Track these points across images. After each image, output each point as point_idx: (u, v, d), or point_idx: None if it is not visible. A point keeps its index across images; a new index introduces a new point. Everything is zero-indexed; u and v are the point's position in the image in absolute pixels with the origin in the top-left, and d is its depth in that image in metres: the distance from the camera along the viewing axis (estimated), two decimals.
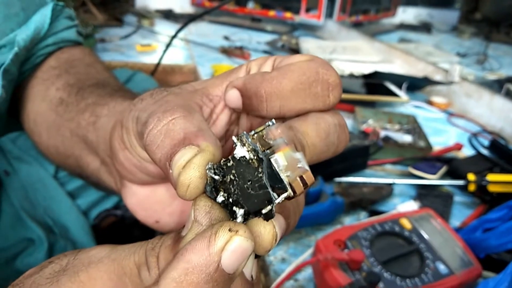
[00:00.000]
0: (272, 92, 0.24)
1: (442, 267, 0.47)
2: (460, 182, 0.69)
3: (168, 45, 1.12)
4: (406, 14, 2.42)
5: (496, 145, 0.86)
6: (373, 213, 0.62)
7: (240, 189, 0.20)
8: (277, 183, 0.19)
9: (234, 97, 0.26)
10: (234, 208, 0.20)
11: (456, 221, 0.63)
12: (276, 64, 0.28)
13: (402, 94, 1.07)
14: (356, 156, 0.72)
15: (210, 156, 0.21)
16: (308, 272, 0.50)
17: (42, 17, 0.47)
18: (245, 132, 0.19)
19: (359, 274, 0.44)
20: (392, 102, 1.08)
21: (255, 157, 0.19)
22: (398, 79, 1.16)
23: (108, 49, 1.38)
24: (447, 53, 1.66)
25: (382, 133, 0.85)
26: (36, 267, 0.22)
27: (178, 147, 0.21)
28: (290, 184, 0.19)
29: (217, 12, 2.00)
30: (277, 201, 0.19)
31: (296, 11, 1.90)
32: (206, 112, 0.27)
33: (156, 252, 0.20)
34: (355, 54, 1.46)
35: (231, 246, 0.18)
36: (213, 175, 0.20)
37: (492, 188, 0.67)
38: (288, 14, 1.91)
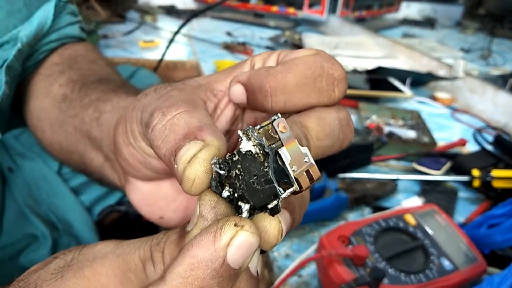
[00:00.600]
0: (277, 87, 0.24)
1: (446, 263, 0.47)
2: (465, 178, 0.69)
3: (170, 41, 1.11)
4: (410, 9, 2.41)
5: (501, 141, 0.85)
6: (377, 209, 0.61)
7: (245, 183, 0.19)
8: (283, 178, 0.19)
9: (239, 92, 0.26)
10: (240, 203, 0.20)
11: (460, 217, 0.63)
12: (281, 58, 0.27)
13: (406, 90, 1.07)
14: (360, 152, 0.72)
15: (215, 150, 0.20)
16: (312, 268, 0.50)
17: (45, 13, 0.47)
18: (251, 127, 0.19)
19: (364, 270, 0.44)
20: (395, 98, 1.08)
21: (261, 152, 0.19)
22: (401, 75, 1.16)
23: (111, 45, 1.38)
24: (451, 49, 1.66)
25: (386, 129, 0.85)
26: (41, 262, 0.22)
27: (183, 141, 0.21)
28: (296, 179, 0.19)
29: (220, 7, 1.99)
30: (283, 196, 0.19)
31: (299, 7, 1.89)
32: (210, 107, 0.27)
33: (161, 247, 0.20)
34: (358, 49, 1.46)
35: (237, 241, 0.18)
36: (219, 170, 0.20)
37: (496, 184, 0.66)
38: (291, 10, 1.91)
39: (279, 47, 1.52)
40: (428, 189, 0.68)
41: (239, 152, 0.19)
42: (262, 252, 0.21)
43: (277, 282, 0.47)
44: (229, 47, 1.42)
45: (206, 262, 0.17)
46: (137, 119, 0.27)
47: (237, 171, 0.20)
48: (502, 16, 1.97)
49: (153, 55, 1.31)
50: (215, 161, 0.20)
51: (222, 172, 0.20)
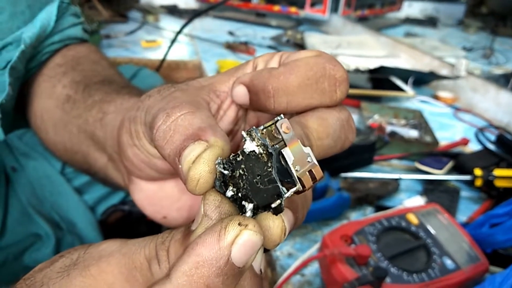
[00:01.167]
0: (279, 88, 0.24)
1: (449, 262, 0.47)
2: (467, 177, 0.69)
3: (173, 41, 1.12)
4: (412, 8, 2.41)
5: (503, 140, 0.85)
6: (380, 208, 0.62)
7: (249, 183, 0.20)
8: (287, 178, 0.19)
9: (241, 93, 0.26)
10: (243, 202, 0.20)
11: (462, 216, 0.63)
12: (283, 60, 0.28)
13: (408, 89, 1.07)
14: (362, 151, 0.72)
15: (219, 151, 0.21)
16: (314, 267, 0.51)
17: (48, 14, 0.47)
18: (254, 127, 0.20)
19: (366, 269, 0.44)
20: (398, 97, 1.08)
21: (265, 152, 0.19)
22: (404, 74, 1.16)
23: (113, 45, 1.38)
24: (453, 48, 1.65)
25: (388, 128, 0.85)
26: (47, 261, 0.23)
27: (187, 142, 0.21)
28: (299, 179, 0.19)
29: (222, 7, 1.99)
30: (286, 196, 0.19)
31: (301, 6, 1.89)
32: (213, 108, 0.28)
33: (166, 246, 0.21)
34: (360, 48, 1.46)
35: (241, 240, 0.18)
36: (222, 170, 0.20)
37: (498, 183, 0.66)
38: (293, 9, 1.91)
39: (281, 46, 1.52)
40: (430, 189, 0.68)
41: (243, 152, 0.20)
42: (266, 250, 0.21)
43: (280, 281, 0.47)
44: (231, 47, 1.43)
45: (211, 260, 0.18)
46: (141, 120, 0.28)
47: (240, 171, 0.20)
48: (504, 15, 1.97)
49: (155, 55, 1.31)
50: (219, 161, 0.20)
51: (226, 172, 0.20)
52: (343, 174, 0.68)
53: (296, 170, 0.19)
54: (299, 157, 0.19)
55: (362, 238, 0.48)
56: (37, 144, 0.61)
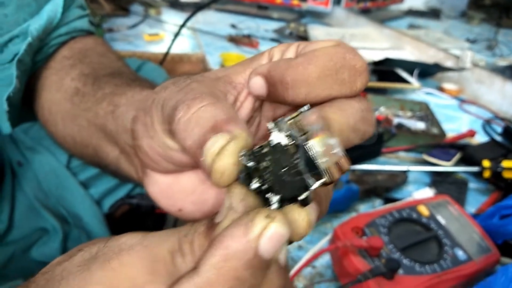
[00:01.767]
0: (298, 79, 0.24)
1: (460, 253, 0.47)
2: (475, 169, 0.69)
3: (176, 34, 1.11)
4: (415, 0, 2.39)
5: (510, 132, 0.85)
6: (388, 200, 0.61)
7: (274, 175, 0.19)
8: (314, 169, 0.19)
9: (259, 85, 0.26)
10: (268, 195, 0.20)
11: (471, 208, 0.63)
12: (300, 50, 0.27)
13: (414, 81, 1.06)
14: (369, 143, 0.71)
15: (243, 142, 0.20)
16: (325, 259, 0.50)
17: (54, 6, 0.46)
18: (281, 118, 0.19)
19: (379, 260, 0.44)
20: (403, 89, 1.07)
21: (291, 144, 0.19)
22: (409, 66, 1.15)
23: (116, 39, 1.37)
24: (456, 39, 1.65)
25: (395, 121, 0.85)
26: (65, 254, 0.22)
27: (210, 134, 0.21)
28: (326, 170, 0.19)
29: (224, 0, 1.98)
30: (313, 188, 0.19)
31: None
32: (230, 100, 0.27)
33: (190, 239, 0.20)
34: (364, 41, 1.45)
35: (269, 232, 0.18)
36: (247, 162, 0.20)
37: (507, 175, 0.66)
38: (295, 1, 1.89)
39: (284, 39, 1.51)
40: (438, 180, 0.68)
41: (269, 144, 0.19)
42: (289, 243, 0.21)
43: (291, 273, 0.47)
44: (234, 40, 1.42)
45: (239, 253, 0.18)
46: (157, 113, 0.27)
47: (266, 163, 0.19)
48: (508, 6, 1.95)
49: (158, 48, 1.31)
50: (243, 153, 0.20)
51: (250, 164, 0.20)
52: (352, 167, 0.67)
53: (323, 162, 0.19)
54: (326, 149, 0.19)
55: (374, 230, 0.48)
56: (43, 138, 0.61)
